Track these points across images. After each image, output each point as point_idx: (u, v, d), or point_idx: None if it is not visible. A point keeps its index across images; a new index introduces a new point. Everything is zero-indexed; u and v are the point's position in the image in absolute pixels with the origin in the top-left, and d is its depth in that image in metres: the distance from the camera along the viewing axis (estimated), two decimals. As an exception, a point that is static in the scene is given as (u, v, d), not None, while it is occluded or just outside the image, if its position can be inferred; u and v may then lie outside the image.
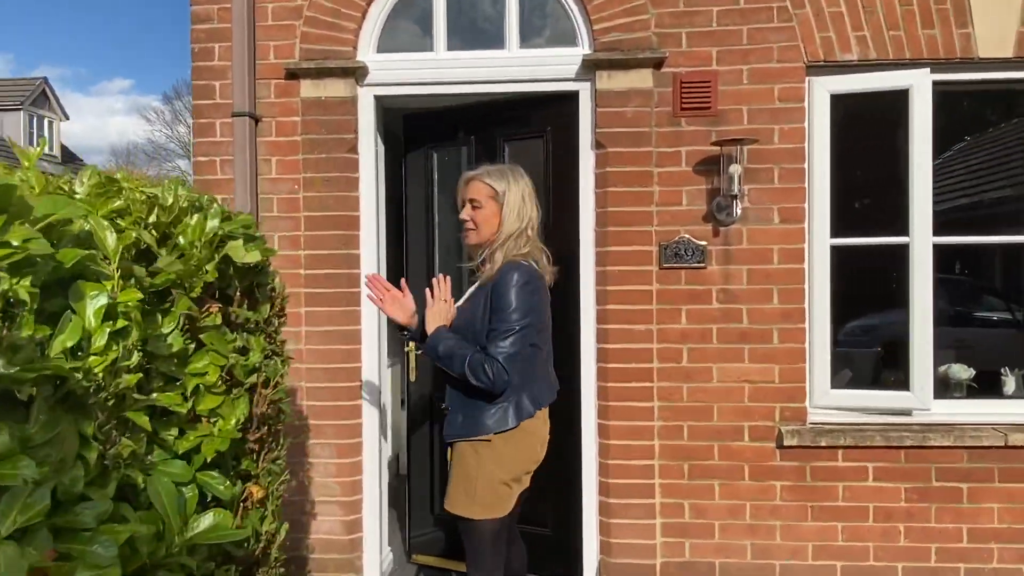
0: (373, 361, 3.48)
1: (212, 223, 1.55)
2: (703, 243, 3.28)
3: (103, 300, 1.19)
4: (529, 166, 3.59)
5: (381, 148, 3.67)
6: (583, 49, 3.38)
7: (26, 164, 1.32)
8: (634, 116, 3.29)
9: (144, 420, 1.33)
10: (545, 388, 2.54)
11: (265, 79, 3.43)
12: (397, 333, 2.80)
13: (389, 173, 3.82)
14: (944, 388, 3.62)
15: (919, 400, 3.28)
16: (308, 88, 3.40)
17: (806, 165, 3.29)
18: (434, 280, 2.55)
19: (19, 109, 23.15)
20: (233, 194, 3.37)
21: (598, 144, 3.32)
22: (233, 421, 1.61)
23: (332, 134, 3.40)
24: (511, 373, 2.32)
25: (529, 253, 2.48)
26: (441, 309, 2.50)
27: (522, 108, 3.54)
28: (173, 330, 1.51)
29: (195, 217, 1.55)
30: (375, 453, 3.48)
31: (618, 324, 3.30)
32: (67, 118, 25.21)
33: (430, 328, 2.46)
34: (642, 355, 3.29)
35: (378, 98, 3.48)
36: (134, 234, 1.41)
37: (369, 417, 3.47)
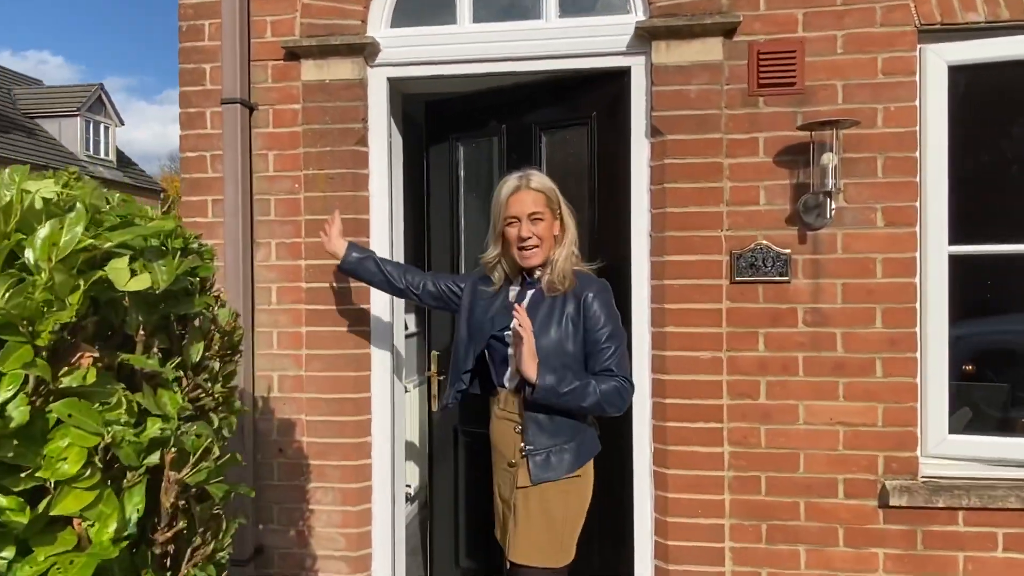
0: (386, 390, 2.95)
1: (72, 233, 1.02)
2: (786, 251, 2.64)
3: None
4: (570, 160, 3.02)
5: (398, 140, 3.14)
6: (636, 15, 2.79)
7: None
8: (699, 96, 2.68)
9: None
10: None
11: (261, 60, 2.94)
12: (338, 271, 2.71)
13: (409, 169, 3.29)
14: (1090, 431, 2.88)
15: (1065, 450, 2.58)
16: (310, 70, 2.89)
17: (918, 154, 2.63)
18: (516, 310, 2.17)
19: (76, 115, 23.63)
20: (223, 194, 2.88)
21: (654, 131, 2.72)
22: (112, 527, 1.08)
23: (338, 123, 2.88)
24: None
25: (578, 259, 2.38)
26: (533, 343, 2.14)
27: (562, 90, 2.97)
28: (14, 395, 1.00)
29: (47, 225, 1.03)
30: (387, 499, 2.95)
31: (679, 351, 2.69)
32: (122, 123, 25.65)
33: (530, 368, 2.12)
34: (709, 389, 2.68)
35: (392, 81, 2.95)
36: (-74, 252, 0.89)
37: (380, 457, 2.94)
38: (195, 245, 1.49)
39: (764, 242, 2.66)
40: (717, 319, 2.67)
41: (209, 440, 1.31)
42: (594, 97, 2.90)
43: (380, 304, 2.93)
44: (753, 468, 2.68)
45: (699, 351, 2.68)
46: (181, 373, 1.34)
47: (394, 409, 3.00)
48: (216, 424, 1.43)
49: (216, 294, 1.53)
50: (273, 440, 2.93)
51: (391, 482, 2.98)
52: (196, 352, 1.39)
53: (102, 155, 24.68)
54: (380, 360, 2.94)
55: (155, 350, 1.27)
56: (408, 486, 4.01)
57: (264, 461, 2.93)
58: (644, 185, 2.76)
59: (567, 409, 2.15)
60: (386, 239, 2.94)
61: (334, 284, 2.87)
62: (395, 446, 3.02)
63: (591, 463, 2.27)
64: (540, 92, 3.00)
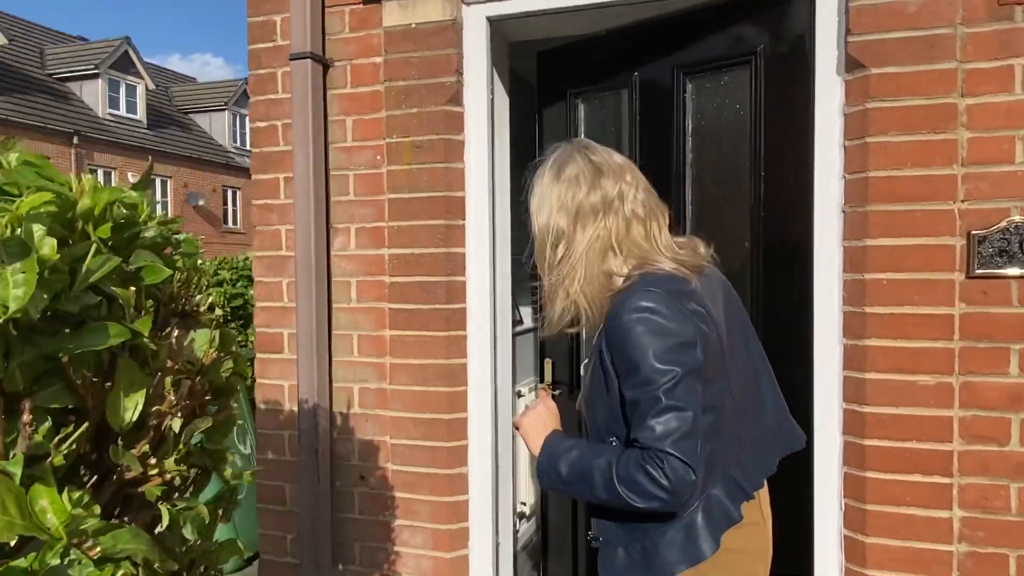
0: (486, 410, 2.38)
1: None
2: (1059, 231, 1.80)
3: None
4: (724, 113, 2.28)
5: (503, 100, 2.54)
6: (824, -96, 2.00)
7: None
8: (922, 9, 1.87)
9: None
10: (750, 459, 1.43)
11: (337, 6, 2.42)
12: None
13: (518, 136, 2.68)
14: None
15: None
16: (392, 13, 2.34)
17: None
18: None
19: (224, 109, 25.00)
20: (293, 171, 2.40)
21: (852, 64, 1.94)
22: None
23: (425, 78, 2.31)
24: (695, 464, 1.23)
25: (647, 257, 1.39)
26: (540, 411, 1.47)
27: (715, 19, 2.23)
28: None
29: None
30: (488, 545, 2.38)
31: (886, 373, 1.91)
32: (264, 116, 26.77)
33: (533, 442, 1.43)
34: (931, 428, 1.89)
35: (492, 22, 2.34)
36: None
37: (480, 492, 2.37)
38: (153, 234, 0.95)
39: (1021, 218, 1.82)
40: (946, 329, 1.87)
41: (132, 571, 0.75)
42: (760, 24, 2.15)
43: (480, 301, 2.35)
44: (998, 542, 1.86)
45: (917, 374, 1.89)
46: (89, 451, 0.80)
47: (497, 434, 2.42)
48: (167, 520, 0.88)
49: (184, 308, 0.98)
50: (353, 465, 2.44)
51: (493, 523, 2.41)
52: (131, 408, 0.85)
53: (249, 147, 25.93)
54: (480, 371, 2.37)
55: (26, 418, 0.73)
56: (523, 504, 3.46)
57: (344, 489, 2.45)
58: (835, 140, 1.98)
59: (584, 499, 1.41)
60: (485, 224, 2.34)
61: (422, 278, 2.33)
62: (499, 478, 2.44)
63: (724, 559, 1.35)
64: (684, 24, 2.28)
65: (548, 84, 2.72)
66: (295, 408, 2.46)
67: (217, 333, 1.05)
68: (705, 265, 1.42)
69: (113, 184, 1.00)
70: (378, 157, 2.39)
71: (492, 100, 2.39)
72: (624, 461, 1.26)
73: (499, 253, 2.46)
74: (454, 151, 2.32)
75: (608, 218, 1.37)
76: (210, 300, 1.07)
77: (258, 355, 2.55)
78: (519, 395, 3.72)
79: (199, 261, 1.10)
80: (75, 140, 18.81)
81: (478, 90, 2.34)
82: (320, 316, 2.38)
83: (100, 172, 20.01)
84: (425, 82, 2.31)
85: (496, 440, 2.41)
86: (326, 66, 2.41)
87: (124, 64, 20.89)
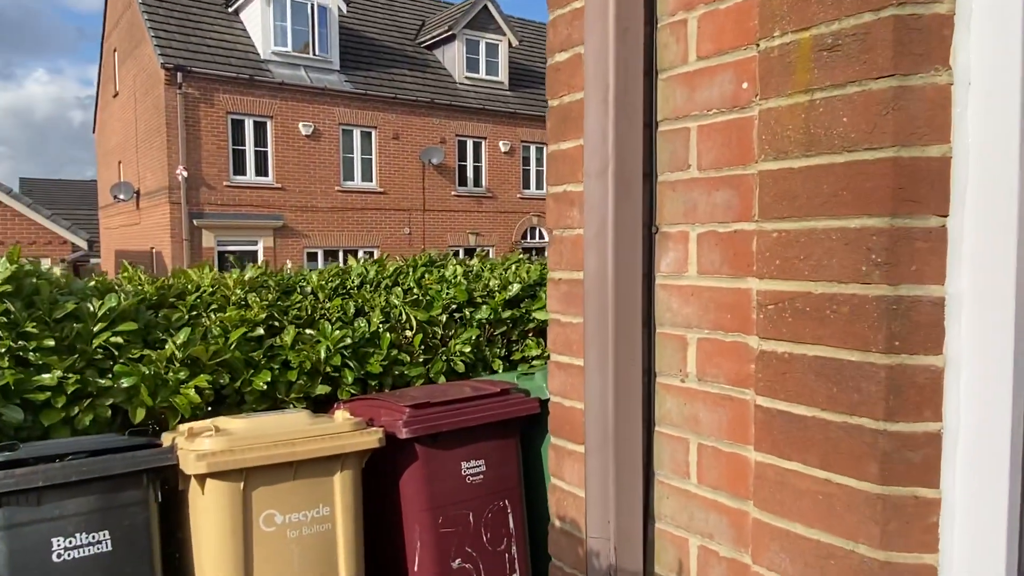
0: None
1: None
2: None
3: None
4: None
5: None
6: None
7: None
8: None
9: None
10: None
11: None
12: None
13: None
14: None
15: None
16: None
17: None
18: None
19: None
20: (583, 128, 1.32)
21: None
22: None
23: None
24: None
25: None
26: None
27: None
28: None
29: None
30: None
31: None
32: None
33: None
34: None
35: None
36: None
37: None
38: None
39: None
40: None
41: None
42: None
43: (986, 420, 0.93)
44: None
45: None
46: None
47: None
48: None
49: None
50: None
51: None
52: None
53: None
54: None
55: None
56: None
57: None
58: None
59: None
60: (1013, 224, 0.89)
61: (828, 350, 1.01)
62: None
63: None
64: None
65: None
66: (596, 544, 1.42)
67: None
68: None
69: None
70: (744, 85, 1.14)
71: None
72: None
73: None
74: (921, 46, 0.92)
75: None
76: None
77: (552, 440, 1.58)
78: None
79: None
80: (568, 125, 20.63)
81: None
82: (624, 396, 1.27)
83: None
84: None
85: None
86: (652, -79, 1.25)
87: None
